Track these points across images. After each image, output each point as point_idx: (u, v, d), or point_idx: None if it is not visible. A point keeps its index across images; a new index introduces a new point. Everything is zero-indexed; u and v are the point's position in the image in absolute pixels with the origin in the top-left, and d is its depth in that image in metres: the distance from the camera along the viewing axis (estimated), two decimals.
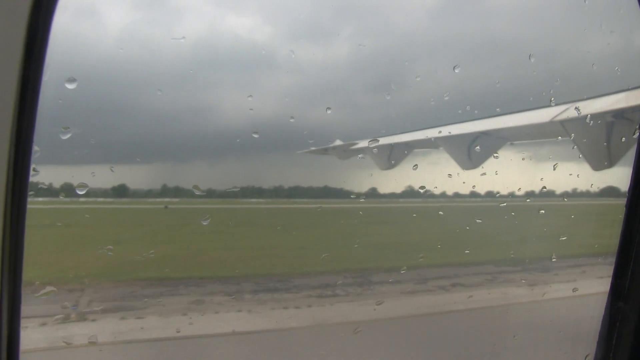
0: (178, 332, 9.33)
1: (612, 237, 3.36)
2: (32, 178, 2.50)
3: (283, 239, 13.72)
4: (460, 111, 6.72)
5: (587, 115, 7.85)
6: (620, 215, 3.28)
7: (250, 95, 5.35)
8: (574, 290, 7.53)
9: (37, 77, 2.24)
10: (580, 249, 11.32)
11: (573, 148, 7.65)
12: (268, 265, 13.05)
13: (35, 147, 2.51)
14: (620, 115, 8.43)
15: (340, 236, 13.08)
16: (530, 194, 7.36)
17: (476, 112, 6.98)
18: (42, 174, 2.92)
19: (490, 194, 7.70)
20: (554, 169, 6.12)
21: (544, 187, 6.55)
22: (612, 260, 3.21)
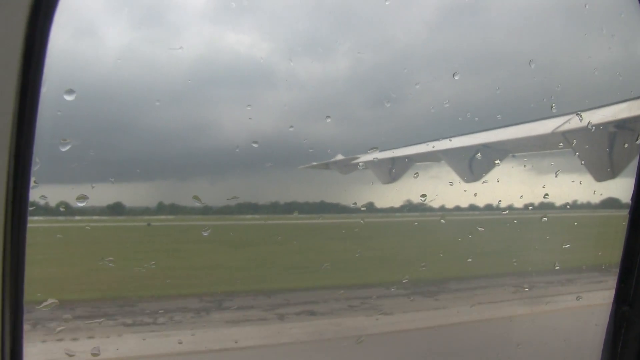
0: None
1: (616, 247, 3.33)
2: (32, 190, 2.49)
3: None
4: (460, 118, 6.72)
5: (590, 125, 7.84)
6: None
7: (249, 105, 5.37)
8: (578, 298, 7.45)
9: (36, 88, 2.25)
10: (585, 260, 11.22)
11: (575, 158, 7.63)
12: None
13: (35, 159, 2.51)
14: (622, 125, 8.40)
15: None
16: (549, 205, 7.28)
17: (476, 119, 6.98)
18: (40, 186, 2.92)
19: (510, 207, 7.62)
20: (557, 178, 6.09)
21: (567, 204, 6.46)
22: (616, 270, 3.18)
